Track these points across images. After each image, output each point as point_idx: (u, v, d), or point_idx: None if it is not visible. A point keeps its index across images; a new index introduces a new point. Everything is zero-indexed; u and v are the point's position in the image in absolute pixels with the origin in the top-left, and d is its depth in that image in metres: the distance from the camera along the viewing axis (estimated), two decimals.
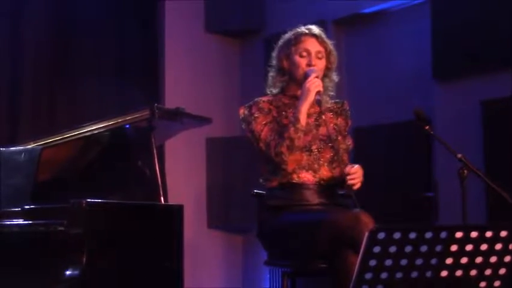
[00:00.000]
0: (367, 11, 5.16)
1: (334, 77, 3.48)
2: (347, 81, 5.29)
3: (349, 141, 3.50)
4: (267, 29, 5.77)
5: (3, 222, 2.72)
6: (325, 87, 3.41)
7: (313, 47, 3.37)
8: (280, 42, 3.47)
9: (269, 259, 3.47)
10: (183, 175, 5.32)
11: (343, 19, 5.30)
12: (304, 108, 3.23)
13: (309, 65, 3.33)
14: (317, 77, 3.28)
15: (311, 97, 3.23)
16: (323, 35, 3.41)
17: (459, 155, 3.20)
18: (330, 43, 3.42)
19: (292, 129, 3.21)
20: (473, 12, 4.46)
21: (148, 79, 5.62)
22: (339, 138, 3.45)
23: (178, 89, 5.65)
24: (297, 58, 3.36)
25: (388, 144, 4.12)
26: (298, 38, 3.38)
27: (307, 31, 3.40)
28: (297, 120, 3.22)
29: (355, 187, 3.25)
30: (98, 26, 5.37)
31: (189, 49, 5.84)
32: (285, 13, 5.61)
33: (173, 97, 5.45)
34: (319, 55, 3.37)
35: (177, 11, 5.80)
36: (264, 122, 3.31)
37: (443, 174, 4.66)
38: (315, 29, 3.42)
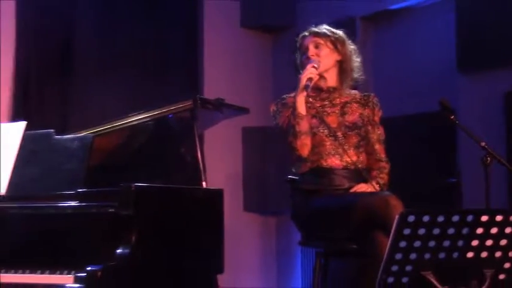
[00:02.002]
0: (394, 7, 5.12)
1: (353, 67, 3.48)
2: (375, 75, 5.26)
3: (379, 131, 3.51)
4: (298, 25, 5.73)
5: (58, 204, 2.74)
6: (344, 78, 3.45)
7: (311, 43, 3.42)
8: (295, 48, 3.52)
9: (303, 240, 3.49)
10: (220, 162, 5.33)
11: (371, 15, 5.26)
12: (299, 97, 3.28)
13: (308, 58, 3.37)
14: (314, 67, 3.31)
15: (301, 85, 3.27)
16: (323, 30, 3.45)
17: (483, 143, 3.18)
18: (336, 36, 3.45)
19: (292, 117, 3.25)
20: (497, 7, 4.40)
21: (188, 71, 5.63)
22: (369, 128, 3.45)
23: (216, 81, 5.66)
24: (303, 60, 3.42)
25: (414, 133, 4.08)
26: (300, 42, 3.50)
27: (306, 32, 3.46)
28: (295, 109, 3.26)
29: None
30: (141, 21, 5.38)
31: (226, 43, 5.84)
32: (316, 9, 5.58)
33: (211, 88, 5.46)
34: (316, 44, 3.40)
35: (214, 7, 5.80)
36: (287, 115, 3.34)
37: (466, 161, 4.63)
38: (315, 28, 3.48)
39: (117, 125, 3.23)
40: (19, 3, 4.96)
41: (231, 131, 5.58)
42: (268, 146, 5.79)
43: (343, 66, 3.47)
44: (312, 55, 3.40)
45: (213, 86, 5.50)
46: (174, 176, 3.13)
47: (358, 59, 3.52)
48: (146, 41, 5.43)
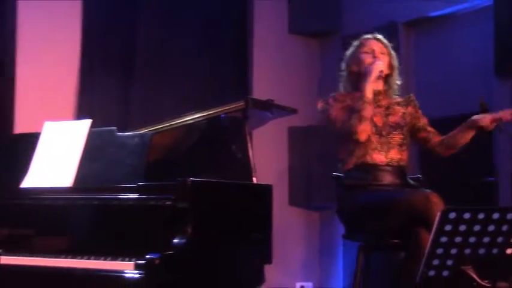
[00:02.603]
0: (434, 14, 5.07)
1: (397, 77, 3.52)
2: (416, 78, 5.22)
3: (425, 119, 3.57)
4: (343, 30, 5.72)
5: (120, 196, 2.76)
6: (389, 85, 3.49)
7: (376, 46, 3.46)
8: (347, 52, 3.55)
9: (346, 233, 3.48)
10: (268, 159, 5.33)
11: (413, 21, 5.21)
12: (369, 85, 3.35)
13: (374, 57, 3.40)
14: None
15: (374, 75, 3.34)
16: (385, 41, 3.54)
17: None
18: (390, 46, 3.53)
19: (360, 102, 3.28)
20: None
21: (239, 74, 5.64)
22: (415, 120, 3.53)
23: (264, 83, 5.65)
24: (362, 56, 3.46)
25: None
26: (362, 42, 3.53)
27: (370, 35, 3.51)
28: (363, 95, 3.31)
29: None
30: (196, 28, 5.41)
31: (274, 48, 5.84)
32: (360, 15, 5.56)
33: (260, 90, 5.46)
34: (382, 51, 3.46)
35: (264, 14, 5.80)
36: (339, 108, 3.40)
37: (502, 161, 4.57)
38: (377, 34, 3.54)
39: (174, 124, 3.25)
40: (85, 4, 5.03)
41: (278, 131, 5.59)
42: (313, 144, 5.79)
43: (392, 75, 3.52)
44: (378, 56, 3.43)
45: (262, 88, 5.49)
46: (226, 172, 3.13)
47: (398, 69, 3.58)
48: (201, 46, 5.44)
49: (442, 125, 3.65)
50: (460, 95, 4.79)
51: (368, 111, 3.29)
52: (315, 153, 5.75)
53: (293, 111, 3.55)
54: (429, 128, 3.55)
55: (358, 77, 3.46)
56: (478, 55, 4.84)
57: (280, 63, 5.86)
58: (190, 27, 5.38)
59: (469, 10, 4.90)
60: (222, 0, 5.55)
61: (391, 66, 3.51)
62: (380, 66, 3.36)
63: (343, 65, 3.58)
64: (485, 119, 3.30)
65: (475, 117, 3.34)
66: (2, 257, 2.76)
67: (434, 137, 3.54)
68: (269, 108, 3.31)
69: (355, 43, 3.56)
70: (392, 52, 3.54)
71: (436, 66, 5.15)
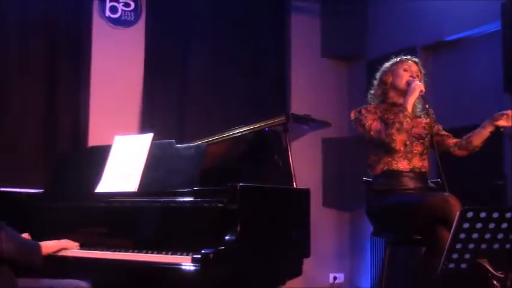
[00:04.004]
0: (449, 38, 5.00)
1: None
2: (433, 95, 5.13)
3: (439, 125, 3.53)
4: (368, 54, 5.68)
5: (178, 199, 2.78)
6: (419, 97, 3.41)
7: (414, 68, 3.39)
8: (385, 64, 3.48)
9: (374, 231, 3.43)
10: (304, 167, 5.28)
11: (430, 45, 5.13)
12: (411, 100, 3.28)
13: (412, 77, 3.33)
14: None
15: (416, 93, 3.27)
16: (420, 64, 3.48)
17: None
18: (423, 72, 3.48)
19: (401, 115, 3.22)
20: None
21: (278, 93, 5.64)
22: (434, 127, 3.47)
23: (300, 100, 5.66)
24: (400, 72, 3.39)
25: None
26: (402, 60, 3.42)
27: (409, 57, 3.43)
28: (405, 108, 3.25)
29: None
30: (241, 53, 5.42)
31: (308, 70, 5.82)
32: (382, 40, 5.50)
33: (297, 107, 5.45)
34: (417, 73, 3.38)
35: (300, 41, 5.80)
36: (373, 118, 3.32)
37: (511, 166, 4.47)
38: (415, 58, 3.50)
39: (224, 136, 3.28)
40: (147, 40, 5.09)
41: (313, 142, 5.56)
42: (343, 153, 5.76)
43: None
44: (414, 77, 3.36)
45: (298, 105, 5.48)
46: (269, 178, 3.12)
47: None
48: (245, 69, 5.46)
49: (457, 133, 3.61)
50: (473, 109, 4.69)
51: (408, 123, 3.24)
52: (345, 160, 5.72)
53: (327, 124, 3.54)
54: (443, 132, 3.51)
55: (391, 88, 3.41)
56: (489, 73, 4.74)
57: (314, 83, 5.83)
58: (236, 54, 5.40)
59: (479, 34, 4.82)
60: (263, 31, 5.55)
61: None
62: (421, 86, 3.28)
63: (377, 75, 3.51)
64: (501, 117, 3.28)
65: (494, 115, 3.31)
66: (80, 250, 2.80)
67: (449, 139, 3.49)
68: (306, 121, 3.30)
69: (395, 59, 3.48)
70: (423, 77, 3.47)
71: (452, 84, 5.06)
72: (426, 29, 5.13)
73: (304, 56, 5.80)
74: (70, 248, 2.80)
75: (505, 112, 3.32)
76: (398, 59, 3.46)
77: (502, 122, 3.31)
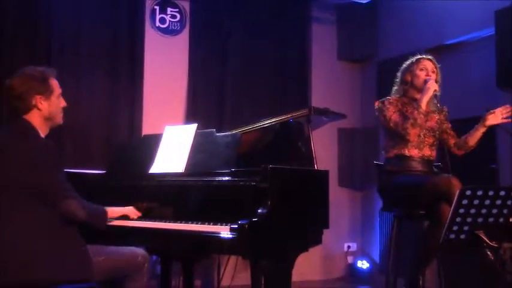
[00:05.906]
0: (449, 42, 4.91)
1: (439, 90, 3.32)
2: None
3: (448, 124, 3.42)
4: (378, 55, 5.61)
5: (217, 179, 2.78)
6: (433, 95, 3.30)
7: (429, 66, 3.28)
8: (405, 64, 3.39)
9: (384, 207, 3.38)
10: (323, 152, 5.24)
11: (433, 48, 5.02)
12: (425, 99, 3.17)
13: (427, 75, 3.25)
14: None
15: (430, 92, 3.16)
16: (435, 61, 3.34)
17: None
18: (438, 67, 3.33)
19: (416, 112, 3.15)
20: None
21: (301, 89, 5.60)
22: (444, 125, 3.37)
23: (320, 96, 5.62)
24: (418, 71, 3.29)
25: (465, 132, 3.83)
26: (419, 60, 3.32)
27: (424, 56, 3.33)
28: (419, 106, 3.16)
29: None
30: (269, 55, 5.38)
31: (326, 70, 5.79)
32: (390, 44, 5.43)
33: (316, 101, 5.41)
34: (433, 70, 3.29)
35: (319, 46, 5.76)
36: (393, 110, 3.25)
37: (503, 152, 4.38)
38: (429, 56, 3.36)
39: (255, 126, 3.26)
40: (191, 40, 5.07)
41: (331, 131, 5.55)
42: (356, 141, 5.72)
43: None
44: (430, 75, 3.26)
45: (318, 100, 5.43)
46: (294, 161, 3.09)
47: None
48: (272, 69, 5.43)
49: (459, 124, 3.54)
50: (471, 102, 4.59)
51: (421, 119, 3.16)
52: (358, 147, 5.70)
53: (343, 116, 3.49)
54: (449, 131, 3.41)
55: (410, 85, 3.31)
56: (484, 70, 4.64)
57: (332, 81, 5.79)
58: (265, 58, 5.38)
59: (476, 39, 4.74)
60: (289, 38, 5.51)
61: (437, 82, 3.30)
62: (435, 86, 3.17)
63: (398, 74, 3.41)
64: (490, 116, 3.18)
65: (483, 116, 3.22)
66: (137, 221, 2.83)
67: (452, 139, 3.40)
68: (326, 114, 3.26)
69: (412, 59, 3.35)
70: (439, 71, 3.34)
71: (452, 82, 4.93)
72: (429, 34, 5.06)
73: (323, 59, 5.77)
74: (131, 216, 2.82)
75: (492, 111, 3.21)
76: (415, 58, 3.34)
77: (491, 121, 3.20)
